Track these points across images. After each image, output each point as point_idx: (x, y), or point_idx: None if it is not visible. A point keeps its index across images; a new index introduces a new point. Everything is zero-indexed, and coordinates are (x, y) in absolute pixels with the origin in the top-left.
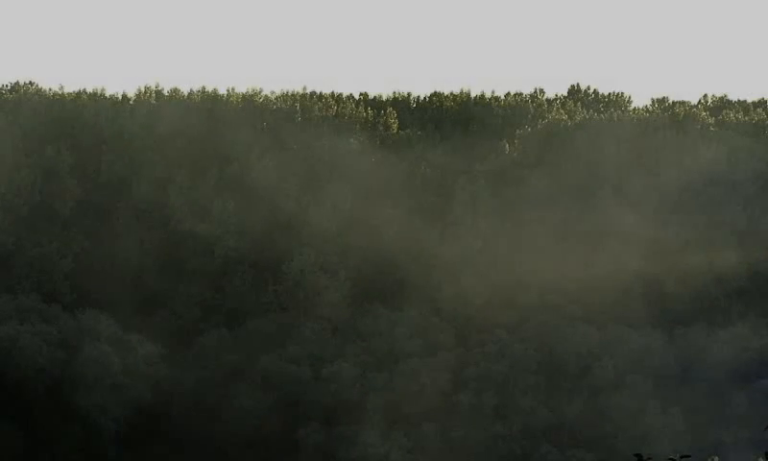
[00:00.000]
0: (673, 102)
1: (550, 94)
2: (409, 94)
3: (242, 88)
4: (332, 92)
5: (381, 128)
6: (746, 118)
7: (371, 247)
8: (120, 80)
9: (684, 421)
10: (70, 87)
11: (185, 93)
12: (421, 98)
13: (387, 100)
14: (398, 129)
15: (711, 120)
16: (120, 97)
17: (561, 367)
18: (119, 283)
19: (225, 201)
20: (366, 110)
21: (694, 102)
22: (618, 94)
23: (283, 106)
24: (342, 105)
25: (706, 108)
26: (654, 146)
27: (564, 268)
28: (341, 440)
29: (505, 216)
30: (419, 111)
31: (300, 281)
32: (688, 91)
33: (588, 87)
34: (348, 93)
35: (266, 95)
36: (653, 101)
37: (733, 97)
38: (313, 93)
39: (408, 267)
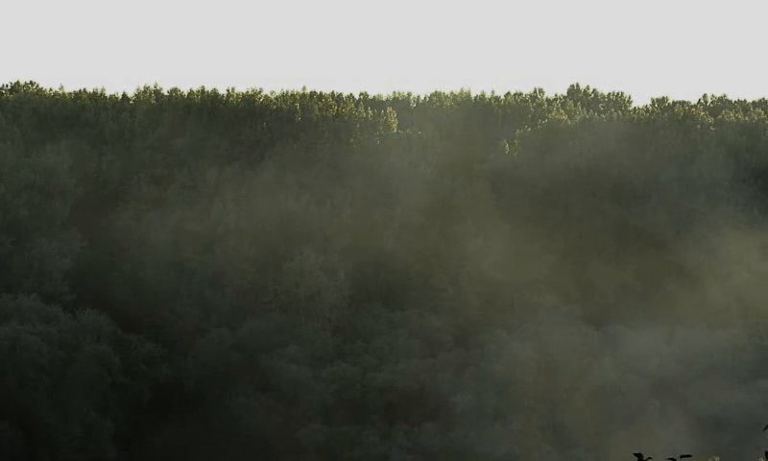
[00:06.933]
0: (673, 102)
1: (550, 94)
2: (409, 94)
3: (242, 88)
4: (332, 92)
5: (381, 128)
6: (746, 118)
7: (371, 247)
8: (120, 80)
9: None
10: (70, 87)
11: (185, 93)
12: (421, 98)
13: (387, 100)
14: (398, 129)
15: (711, 120)
16: (120, 97)
17: (560, 367)
18: (119, 283)
19: (225, 201)
20: (366, 110)
21: (694, 102)
22: (618, 94)
23: (283, 106)
24: (342, 105)
25: (705, 108)
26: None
27: (563, 267)
28: (341, 440)
29: (505, 216)
30: (419, 111)
31: (299, 281)
32: (688, 91)
33: (588, 87)
34: (349, 93)
35: (266, 95)
36: (653, 101)
37: (733, 97)
38: (313, 93)
39: (408, 267)
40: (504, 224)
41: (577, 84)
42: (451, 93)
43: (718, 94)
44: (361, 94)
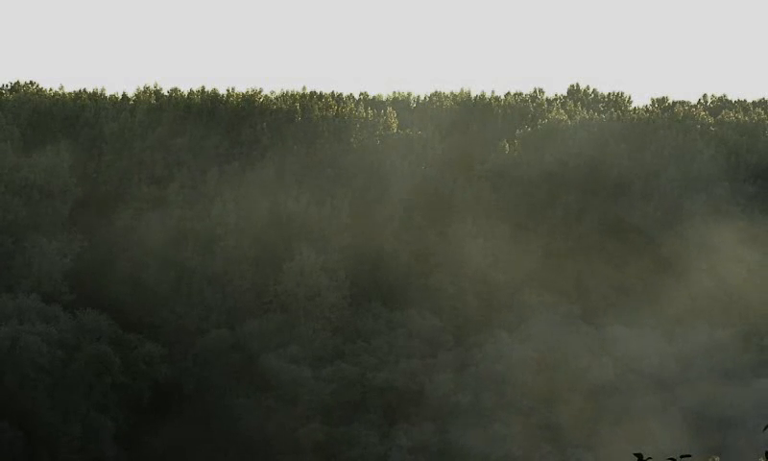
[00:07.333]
0: (673, 102)
1: (550, 94)
2: (409, 94)
3: (242, 88)
4: (332, 92)
5: (381, 128)
6: (746, 118)
7: (371, 247)
8: (120, 80)
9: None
10: (70, 87)
11: (185, 93)
12: (421, 98)
13: (387, 100)
14: (398, 129)
15: (711, 120)
16: (120, 97)
17: (560, 366)
18: (119, 283)
19: (225, 200)
20: (366, 110)
21: (694, 102)
22: (618, 94)
23: (283, 106)
24: (342, 105)
25: (705, 108)
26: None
27: (562, 267)
28: (341, 440)
29: (505, 216)
30: (419, 111)
31: (300, 281)
32: (688, 91)
33: (588, 87)
34: (349, 93)
35: (266, 95)
36: (653, 101)
37: (733, 97)
38: (313, 93)
39: (408, 267)
40: (504, 223)
41: (577, 85)
42: (451, 93)
43: (718, 94)
44: (361, 94)
